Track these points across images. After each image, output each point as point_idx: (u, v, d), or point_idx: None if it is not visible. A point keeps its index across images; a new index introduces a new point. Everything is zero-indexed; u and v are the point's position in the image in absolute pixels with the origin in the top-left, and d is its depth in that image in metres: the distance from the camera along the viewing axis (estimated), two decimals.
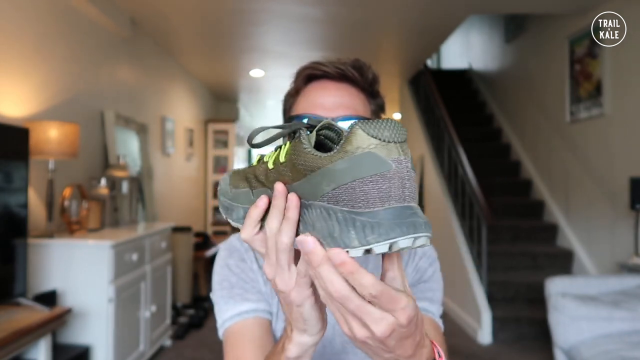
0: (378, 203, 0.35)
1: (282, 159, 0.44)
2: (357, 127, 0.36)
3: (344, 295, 0.38)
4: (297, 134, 0.43)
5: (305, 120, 0.51)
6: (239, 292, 0.75)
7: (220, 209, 0.53)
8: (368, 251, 0.36)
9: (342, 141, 0.37)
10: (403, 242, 0.35)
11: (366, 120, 0.37)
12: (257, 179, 0.48)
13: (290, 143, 0.44)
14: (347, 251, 0.37)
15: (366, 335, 0.40)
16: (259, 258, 0.79)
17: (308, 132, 0.44)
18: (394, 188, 0.35)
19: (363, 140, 0.36)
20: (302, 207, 0.42)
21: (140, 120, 3.73)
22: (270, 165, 0.46)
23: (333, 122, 0.44)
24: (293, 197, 0.42)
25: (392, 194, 0.35)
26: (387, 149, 0.35)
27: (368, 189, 0.35)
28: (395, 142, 0.36)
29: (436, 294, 0.81)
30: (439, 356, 0.50)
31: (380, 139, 0.36)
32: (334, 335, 0.76)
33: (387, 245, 0.35)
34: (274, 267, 0.46)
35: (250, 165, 0.51)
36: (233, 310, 0.73)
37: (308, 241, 0.39)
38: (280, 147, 0.47)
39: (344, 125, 0.71)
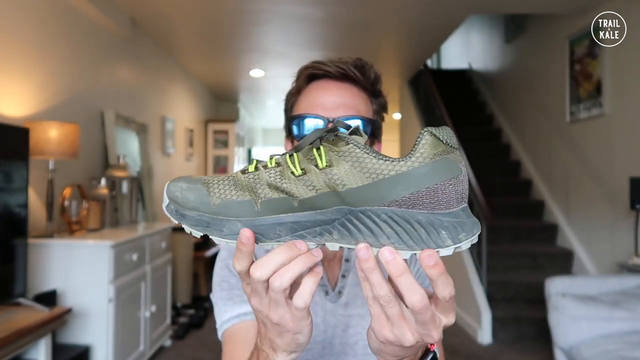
0: (455, 204, 0.39)
1: (322, 163, 0.41)
2: (431, 133, 0.39)
3: (425, 305, 0.38)
4: (331, 138, 0.42)
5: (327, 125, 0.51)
6: (238, 294, 0.74)
7: (188, 226, 0.43)
8: (454, 249, 0.39)
9: (416, 146, 0.39)
10: (476, 237, 0.40)
11: (433, 128, 0.39)
12: (272, 187, 0.42)
13: (324, 147, 0.42)
14: (437, 251, 0.39)
15: (417, 340, 0.40)
16: (257, 257, 0.78)
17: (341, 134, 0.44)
18: (465, 190, 0.40)
19: (438, 146, 0.39)
20: (349, 214, 0.41)
21: (140, 120, 3.73)
22: (298, 171, 0.42)
23: (359, 127, 0.45)
24: (308, 249, 0.42)
25: (463, 195, 0.40)
26: (455, 154, 0.39)
27: (449, 192, 0.39)
28: (458, 148, 0.40)
29: None
30: (431, 344, 0.51)
31: (450, 146, 0.39)
32: (334, 337, 0.76)
33: (470, 242, 0.39)
34: (266, 305, 0.44)
35: (244, 171, 0.45)
36: (232, 312, 0.72)
37: (384, 252, 0.38)
38: (294, 151, 0.44)
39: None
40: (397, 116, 6.76)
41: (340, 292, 0.77)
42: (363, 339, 0.76)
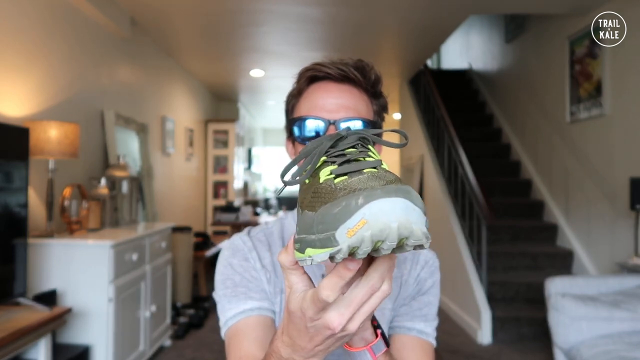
0: None
1: (385, 164, 0.43)
2: None
3: None
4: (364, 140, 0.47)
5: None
6: (242, 291, 0.75)
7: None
8: None
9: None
10: None
11: None
12: None
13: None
14: None
15: None
16: (262, 258, 0.79)
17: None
18: None
19: None
20: None
21: (140, 120, 3.73)
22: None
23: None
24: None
25: None
26: None
27: None
28: None
29: (432, 309, 0.80)
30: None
31: None
32: None
33: None
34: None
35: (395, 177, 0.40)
36: (236, 309, 0.73)
37: None
38: (364, 151, 0.45)
39: (346, 126, 0.72)
40: (397, 116, 6.76)
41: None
42: None
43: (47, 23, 2.47)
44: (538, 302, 3.32)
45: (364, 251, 0.34)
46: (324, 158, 0.43)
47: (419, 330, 0.77)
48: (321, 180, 0.40)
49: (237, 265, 0.77)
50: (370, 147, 0.45)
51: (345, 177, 0.39)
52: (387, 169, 0.41)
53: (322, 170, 0.42)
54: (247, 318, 0.72)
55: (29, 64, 2.32)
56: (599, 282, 2.54)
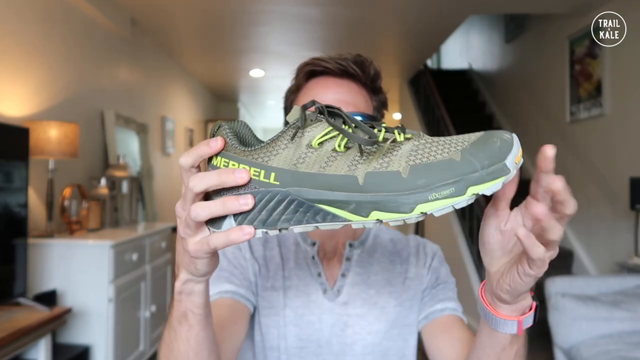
0: None
1: None
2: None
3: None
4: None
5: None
6: (225, 275, 0.77)
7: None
8: None
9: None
10: None
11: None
12: None
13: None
14: None
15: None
16: (254, 250, 0.81)
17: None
18: None
19: None
20: None
21: (140, 120, 3.73)
22: None
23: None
24: None
25: None
26: None
27: None
28: None
29: (455, 291, 0.85)
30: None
31: None
32: (332, 336, 0.76)
33: None
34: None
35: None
36: (215, 289, 0.75)
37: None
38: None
39: None
40: (397, 116, 6.76)
41: (339, 291, 0.77)
42: (362, 339, 0.76)
43: (47, 23, 2.47)
44: (538, 302, 3.31)
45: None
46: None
47: (453, 309, 0.80)
48: (400, 138, 0.41)
49: (229, 252, 0.80)
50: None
51: (408, 134, 0.42)
52: None
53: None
54: (220, 299, 0.73)
55: (29, 64, 2.31)
56: (599, 282, 2.54)
